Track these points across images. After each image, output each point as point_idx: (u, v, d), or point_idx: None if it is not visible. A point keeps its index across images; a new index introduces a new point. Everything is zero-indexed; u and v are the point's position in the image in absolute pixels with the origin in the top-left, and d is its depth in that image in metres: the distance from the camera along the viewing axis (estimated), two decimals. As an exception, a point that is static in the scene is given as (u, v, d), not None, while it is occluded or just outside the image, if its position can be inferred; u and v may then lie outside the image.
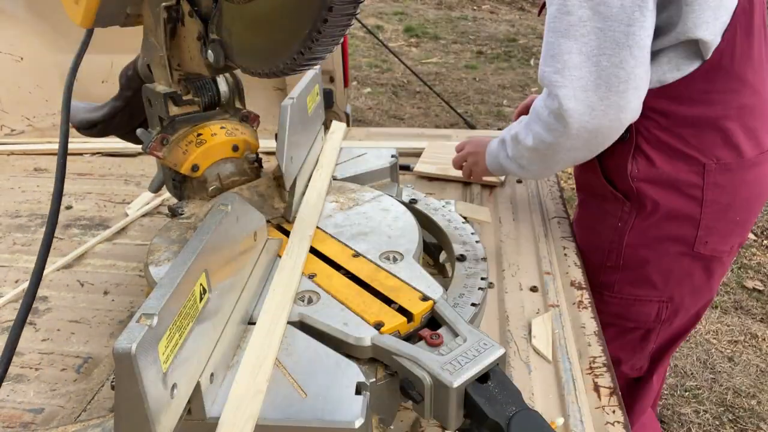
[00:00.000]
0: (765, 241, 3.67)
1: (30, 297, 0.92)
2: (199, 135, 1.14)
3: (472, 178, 1.69)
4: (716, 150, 1.32)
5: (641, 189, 1.38)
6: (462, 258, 1.12)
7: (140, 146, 1.15)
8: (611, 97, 1.18)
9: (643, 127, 1.33)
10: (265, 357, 0.83)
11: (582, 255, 1.47)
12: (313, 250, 1.07)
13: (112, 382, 0.78)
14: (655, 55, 1.25)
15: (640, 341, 1.57)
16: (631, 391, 1.69)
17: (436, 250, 1.27)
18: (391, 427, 0.93)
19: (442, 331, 0.87)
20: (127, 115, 1.30)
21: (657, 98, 1.29)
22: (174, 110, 1.12)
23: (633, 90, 1.18)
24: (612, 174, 1.43)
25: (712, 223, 1.38)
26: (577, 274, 1.38)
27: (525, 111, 1.60)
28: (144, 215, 1.71)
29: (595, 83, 1.18)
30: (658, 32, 1.23)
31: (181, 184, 1.19)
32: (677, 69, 1.27)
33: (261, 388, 0.78)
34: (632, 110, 1.21)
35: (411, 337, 0.89)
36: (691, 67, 1.26)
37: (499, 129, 2.08)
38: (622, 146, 1.36)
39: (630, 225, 1.43)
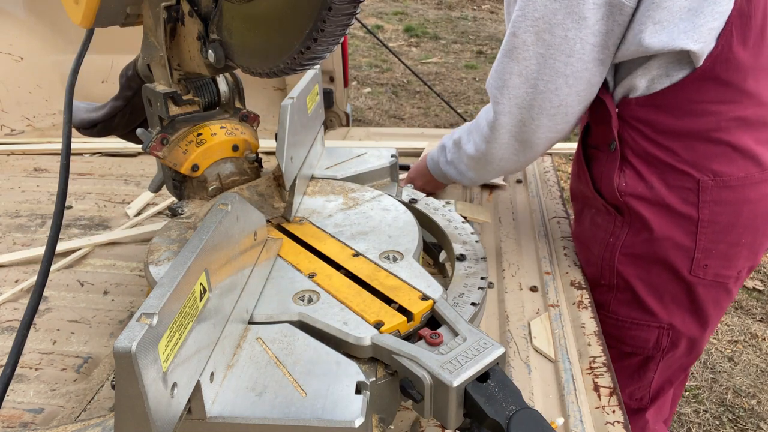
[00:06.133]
0: (765, 241, 3.66)
1: (36, 300, 0.92)
2: (199, 135, 1.14)
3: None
4: (712, 165, 1.23)
5: (630, 204, 1.30)
6: (462, 258, 1.12)
7: (140, 146, 1.15)
8: (542, 118, 1.27)
9: (629, 137, 1.27)
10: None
11: (582, 271, 1.42)
12: (313, 250, 1.08)
13: (112, 381, 0.78)
14: (646, 60, 1.20)
15: (638, 368, 1.47)
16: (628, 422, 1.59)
17: (436, 249, 1.27)
18: (391, 426, 0.93)
19: (441, 330, 0.87)
20: (127, 115, 1.30)
21: (643, 107, 1.24)
22: (174, 110, 1.12)
23: (562, 115, 1.27)
24: (601, 185, 1.37)
25: (710, 245, 1.29)
26: (577, 274, 1.38)
27: None
28: (143, 216, 1.72)
29: (530, 104, 1.27)
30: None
31: (181, 184, 1.19)
32: (666, 75, 1.20)
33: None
34: (560, 131, 1.31)
35: (411, 337, 0.89)
36: (681, 73, 1.18)
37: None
38: (609, 156, 1.31)
39: (621, 241, 1.35)
